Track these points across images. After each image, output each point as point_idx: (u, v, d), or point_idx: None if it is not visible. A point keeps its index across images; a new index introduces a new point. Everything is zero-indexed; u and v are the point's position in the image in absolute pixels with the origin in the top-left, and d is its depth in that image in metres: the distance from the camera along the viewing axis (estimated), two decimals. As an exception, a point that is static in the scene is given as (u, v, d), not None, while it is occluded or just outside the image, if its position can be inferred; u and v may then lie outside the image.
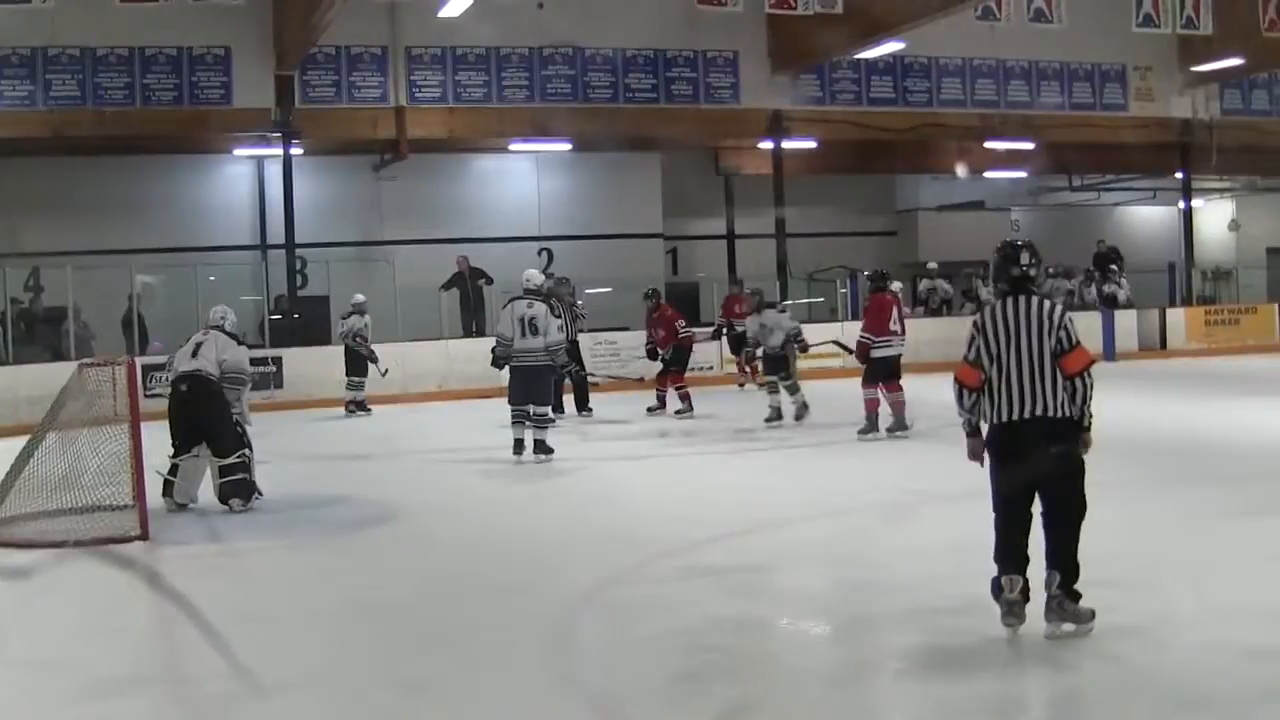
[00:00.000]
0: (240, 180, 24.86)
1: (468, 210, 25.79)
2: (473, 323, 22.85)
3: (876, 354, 14.02)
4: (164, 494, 10.76)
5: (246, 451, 10.89)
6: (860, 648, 6.60)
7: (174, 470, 10.89)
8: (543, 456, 13.24)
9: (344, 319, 19.37)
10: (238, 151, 23.81)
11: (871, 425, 14.01)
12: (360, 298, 19.39)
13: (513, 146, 24.94)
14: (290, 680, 6.07)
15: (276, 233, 23.02)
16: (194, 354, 10.93)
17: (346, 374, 19.00)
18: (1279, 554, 8.02)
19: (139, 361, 11.84)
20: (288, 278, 22.27)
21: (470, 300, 23.06)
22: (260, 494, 10.94)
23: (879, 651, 6.54)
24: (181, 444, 10.88)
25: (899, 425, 13.96)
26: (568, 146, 25.06)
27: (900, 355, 14.21)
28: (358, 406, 18.98)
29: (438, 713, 5.75)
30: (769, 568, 8.28)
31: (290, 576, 8.64)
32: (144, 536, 9.46)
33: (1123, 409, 16.80)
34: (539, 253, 26.11)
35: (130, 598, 8.12)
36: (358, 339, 18.96)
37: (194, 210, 24.26)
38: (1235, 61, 24.89)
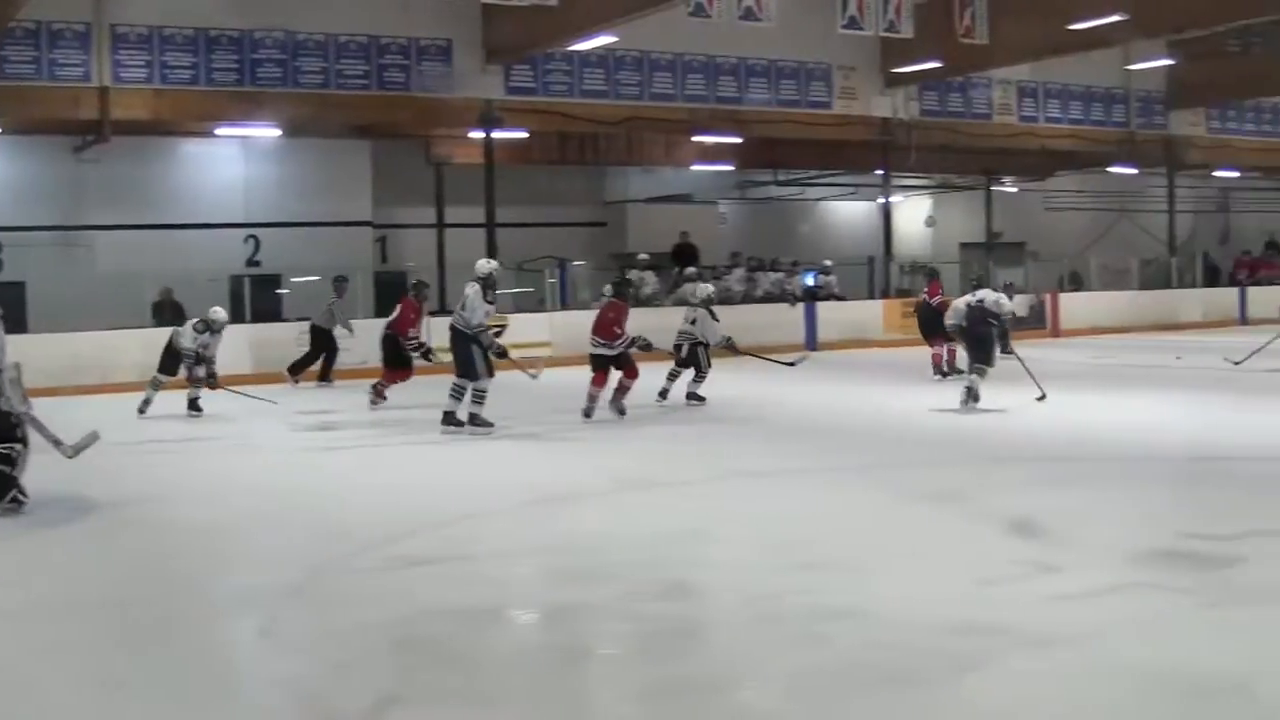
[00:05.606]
0: (-71, 160, 23.70)
1: (173, 195, 25.08)
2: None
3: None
4: None
5: (17, 446, 9.90)
6: (570, 634, 6.68)
7: None
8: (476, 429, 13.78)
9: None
10: (-73, 129, 22.67)
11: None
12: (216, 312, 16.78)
13: (218, 131, 24.22)
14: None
15: (-33, 215, 21.99)
16: None
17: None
18: (973, 535, 8.43)
19: None
20: (-20, 262, 21.27)
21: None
22: (22, 497, 9.89)
23: (589, 638, 6.64)
24: None
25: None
26: (276, 132, 24.54)
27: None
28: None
29: (141, 710, 5.59)
30: (478, 557, 8.31)
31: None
32: None
33: (817, 395, 17.41)
34: (245, 240, 25.61)
35: None
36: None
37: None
38: (933, 64, 26.03)
